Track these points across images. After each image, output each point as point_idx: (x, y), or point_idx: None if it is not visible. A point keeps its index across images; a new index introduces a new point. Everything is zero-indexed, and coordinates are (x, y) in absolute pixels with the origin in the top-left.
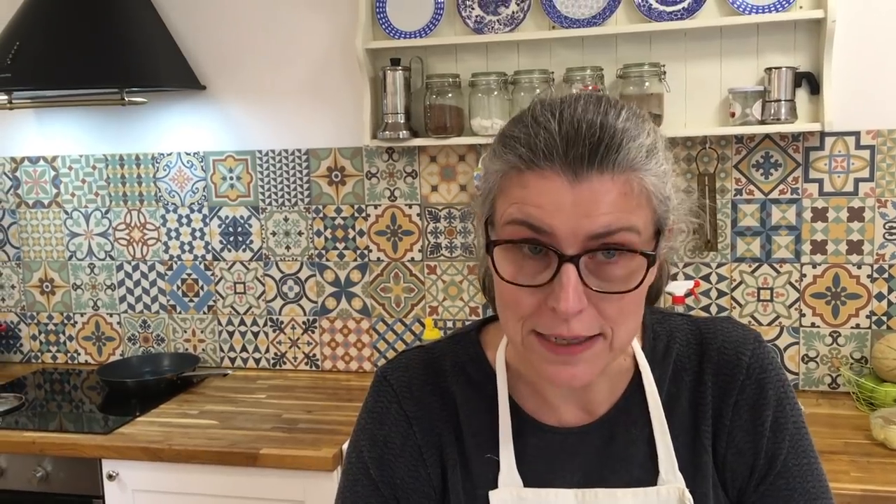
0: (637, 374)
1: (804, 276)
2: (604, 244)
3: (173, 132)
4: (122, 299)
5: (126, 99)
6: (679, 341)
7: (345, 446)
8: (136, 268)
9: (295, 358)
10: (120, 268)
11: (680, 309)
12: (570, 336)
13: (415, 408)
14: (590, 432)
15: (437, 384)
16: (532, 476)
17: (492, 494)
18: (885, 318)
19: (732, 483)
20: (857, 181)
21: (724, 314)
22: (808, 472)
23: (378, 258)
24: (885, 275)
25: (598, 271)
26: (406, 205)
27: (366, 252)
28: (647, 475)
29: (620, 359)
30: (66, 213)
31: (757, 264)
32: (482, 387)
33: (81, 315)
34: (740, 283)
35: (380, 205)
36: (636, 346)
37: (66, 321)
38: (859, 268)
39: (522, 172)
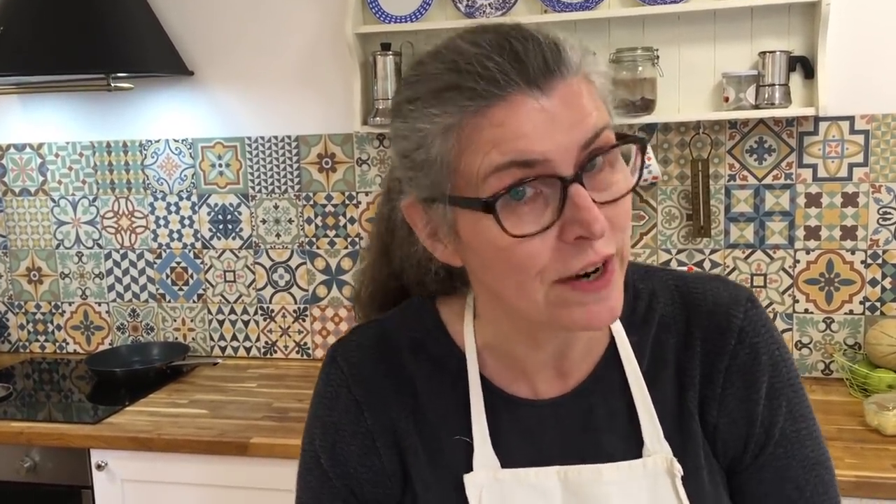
0: (614, 338)
1: (798, 262)
2: (595, 150)
3: (161, 119)
4: (111, 288)
5: (112, 84)
6: (663, 300)
7: None
8: (124, 256)
9: (286, 346)
10: (108, 256)
11: None
12: (600, 259)
13: (365, 392)
14: (566, 404)
15: (392, 363)
16: (508, 455)
17: (466, 478)
18: (878, 304)
19: (724, 452)
20: (851, 166)
21: None
22: (805, 436)
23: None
24: (879, 260)
25: (594, 185)
26: None
27: (357, 240)
28: (632, 447)
29: None
30: (53, 201)
31: (750, 250)
32: (445, 363)
33: (70, 304)
34: (733, 269)
35: (371, 192)
36: None
37: (54, 310)
38: (853, 253)
39: (485, 112)
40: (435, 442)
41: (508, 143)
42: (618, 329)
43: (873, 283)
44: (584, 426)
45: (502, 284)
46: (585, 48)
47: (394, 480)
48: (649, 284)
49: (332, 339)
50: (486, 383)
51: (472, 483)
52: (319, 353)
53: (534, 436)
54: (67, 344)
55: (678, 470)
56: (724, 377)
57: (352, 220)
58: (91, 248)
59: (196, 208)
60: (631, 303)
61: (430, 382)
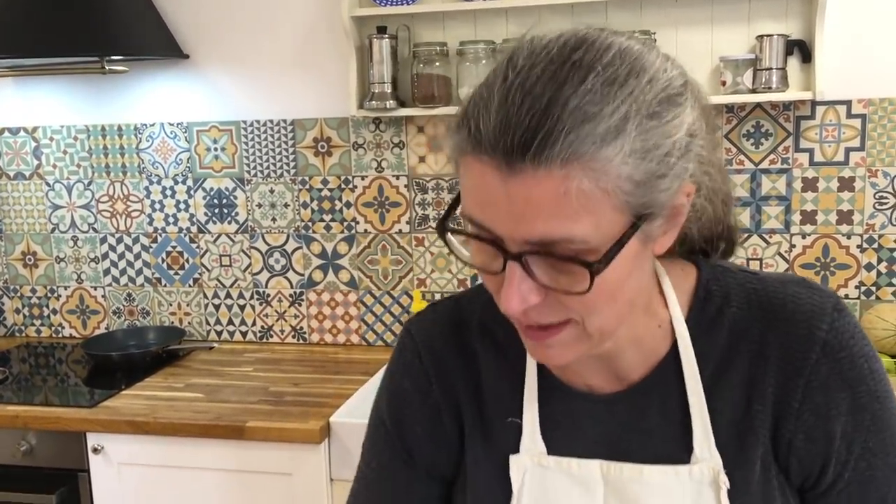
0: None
1: (794, 246)
2: (544, 251)
3: (156, 102)
4: (107, 272)
5: (107, 68)
6: (736, 304)
7: (332, 419)
8: (119, 240)
9: (282, 331)
10: (104, 240)
11: None
12: (525, 320)
13: (435, 365)
14: (620, 401)
15: (461, 342)
16: (555, 443)
17: (512, 459)
18: (874, 289)
19: (799, 470)
20: (847, 150)
21: None
22: (890, 444)
23: (365, 230)
24: (875, 245)
25: (550, 264)
26: (393, 176)
27: (353, 224)
28: (680, 453)
29: (653, 324)
30: (47, 184)
31: (746, 235)
32: (507, 347)
33: (65, 288)
34: None
35: (367, 176)
36: (676, 309)
37: (49, 294)
38: (849, 238)
39: (466, 154)
40: (489, 421)
41: (470, 198)
42: (682, 331)
43: (869, 267)
44: (634, 426)
45: None
46: (626, 120)
47: (451, 451)
48: (724, 285)
49: (327, 324)
50: (543, 372)
51: (517, 465)
52: (315, 337)
53: (583, 428)
54: (63, 328)
55: (724, 482)
56: (803, 393)
57: (347, 205)
58: (86, 232)
59: (191, 192)
60: (699, 303)
61: (493, 364)
